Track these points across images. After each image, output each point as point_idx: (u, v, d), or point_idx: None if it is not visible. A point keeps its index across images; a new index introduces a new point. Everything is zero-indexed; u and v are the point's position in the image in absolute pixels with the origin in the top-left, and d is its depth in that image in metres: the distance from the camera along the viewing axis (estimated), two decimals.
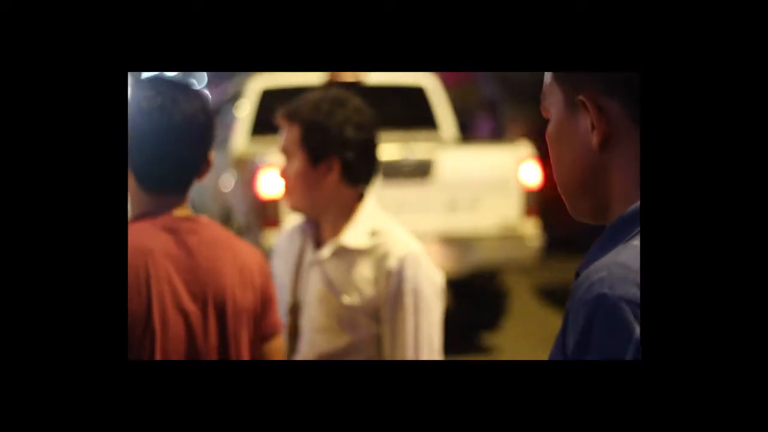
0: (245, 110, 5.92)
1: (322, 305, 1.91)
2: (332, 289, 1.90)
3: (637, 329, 0.85)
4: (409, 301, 1.85)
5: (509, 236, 5.32)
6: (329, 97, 1.93)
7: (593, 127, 0.98)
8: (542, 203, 5.47)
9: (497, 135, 10.59)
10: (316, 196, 1.92)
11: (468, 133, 11.05)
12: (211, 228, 1.55)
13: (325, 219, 1.95)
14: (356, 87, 5.45)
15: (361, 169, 1.93)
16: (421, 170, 5.13)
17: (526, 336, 5.83)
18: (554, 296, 6.88)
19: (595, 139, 0.98)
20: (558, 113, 1.02)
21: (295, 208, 1.98)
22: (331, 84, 5.24)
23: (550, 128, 1.03)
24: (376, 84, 5.75)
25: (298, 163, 1.91)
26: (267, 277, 1.63)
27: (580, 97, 0.99)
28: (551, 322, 5.79)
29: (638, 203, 0.96)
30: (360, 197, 1.96)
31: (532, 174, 5.40)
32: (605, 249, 0.95)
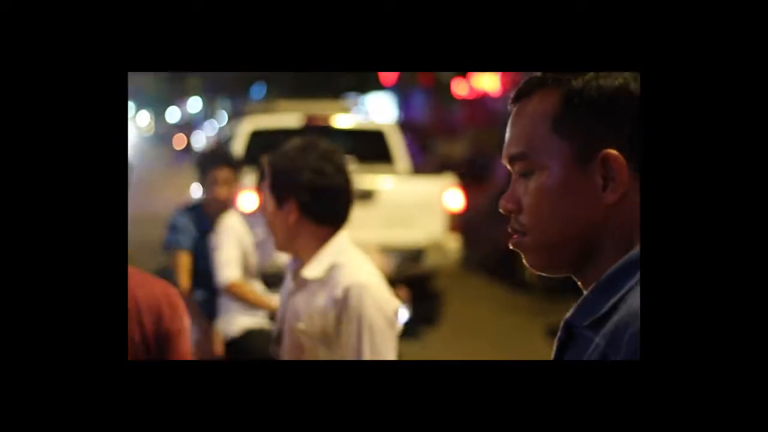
0: (237, 148, 7.04)
1: (289, 333, 2.10)
2: (295, 318, 2.09)
3: None
4: (352, 328, 1.99)
5: (435, 248, 6.85)
6: (298, 145, 2.13)
7: (607, 182, 0.98)
8: (463, 223, 7.16)
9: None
10: (283, 236, 2.13)
11: (487, 175, 11.81)
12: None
13: (302, 255, 2.13)
14: (328, 130, 7.14)
15: (321, 209, 2.09)
16: (365, 195, 6.36)
17: (455, 331, 7.20)
18: (480, 299, 8.44)
19: (612, 196, 0.98)
20: (562, 166, 1.00)
21: (277, 248, 2.19)
22: (307, 128, 6.78)
23: (549, 181, 1.01)
24: (345, 128, 7.51)
25: (269, 206, 2.13)
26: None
27: (604, 152, 0.98)
28: (478, 320, 7.56)
29: (638, 249, 0.97)
30: (333, 233, 2.12)
31: (454, 199, 6.95)
32: (605, 298, 0.97)
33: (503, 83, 17.53)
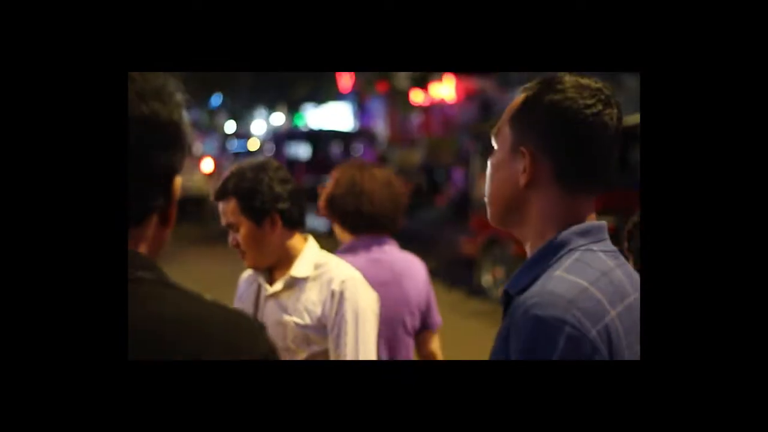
0: None
1: (279, 329, 2.24)
2: (287, 315, 2.25)
3: (561, 340, 1.09)
4: (350, 317, 2.18)
5: None
6: (252, 166, 2.25)
7: (524, 171, 1.31)
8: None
9: (470, 189, 11.22)
10: (268, 250, 2.27)
11: (443, 186, 11.86)
12: None
13: (281, 263, 2.30)
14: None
15: (297, 214, 2.29)
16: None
17: None
18: (438, 305, 9.12)
19: (523, 180, 1.31)
20: (503, 150, 1.35)
21: (253, 266, 2.32)
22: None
23: (493, 158, 1.37)
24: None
25: (245, 228, 2.24)
26: None
27: (522, 148, 1.31)
28: None
29: (557, 237, 1.27)
30: (302, 238, 2.33)
31: None
32: (530, 273, 1.26)
33: (458, 91, 17.45)
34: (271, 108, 28.07)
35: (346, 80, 17.34)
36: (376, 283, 2.36)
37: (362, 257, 2.56)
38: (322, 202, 2.62)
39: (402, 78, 14.41)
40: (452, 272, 9.56)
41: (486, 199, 1.39)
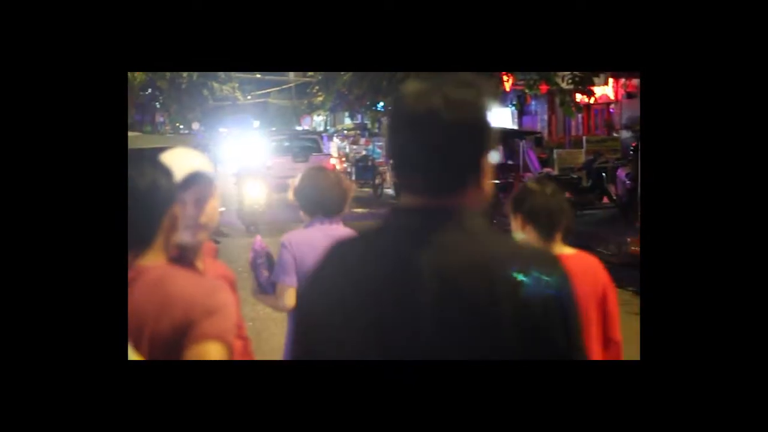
0: None
1: None
2: None
3: None
4: None
5: None
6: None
7: None
8: None
9: (636, 188, 10.89)
10: None
11: (608, 186, 11.66)
12: (151, 272, 1.61)
13: None
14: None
15: None
16: None
17: None
18: None
19: None
20: None
21: None
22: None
23: None
24: None
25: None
26: (192, 303, 1.68)
27: None
28: None
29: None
30: None
31: None
32: None
33: (616, 90, 17.59)
34: None
35: (506, 82, 17.45)
36: (323, 248, 2.41)
37: (317, 230, 3.00)
38: (290, 194, 3.19)
39: (563, 78, 14.19)
40: (620, 271, 9.18)
41: None
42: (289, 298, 2.88)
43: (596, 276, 2.52)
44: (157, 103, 29.96)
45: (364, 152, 22.86)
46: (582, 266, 2.50)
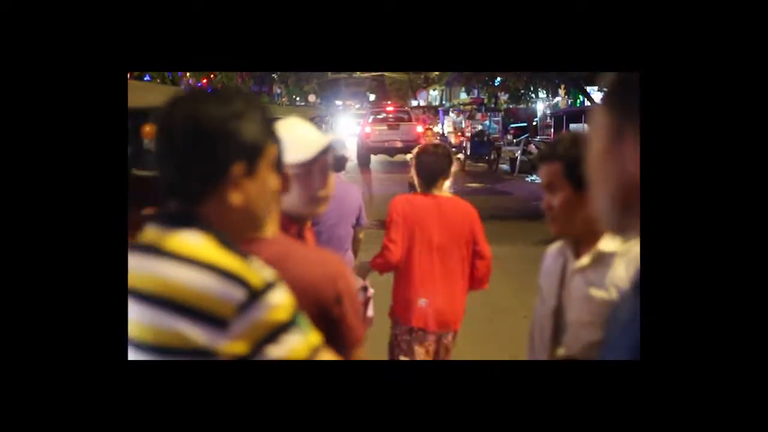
0: None
1: (585, 305, 2.27)
2: (594, 289, 2.27)
3: None
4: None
5: None
6: (582, 135, 2.29)
7: None
8: None
9: None
10: (579, 218, 2.29)
11: None
12: (273, 246, 1.51)
13: (584, 235, 2.33)
14: None
15: None
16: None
17: None
18: None
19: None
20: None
21: (560, 233, 2.37)
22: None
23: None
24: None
25: (564, 193, 2.29)
26: (322, 288, 1.61)
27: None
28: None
29: None
30: None
31: None
32: None
33: None
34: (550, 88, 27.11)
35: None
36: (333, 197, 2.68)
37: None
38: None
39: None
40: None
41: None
42: None
43: (465, 213, 3.86)
44: (274, 75, 29.86)
45: (480, 127, 23.03)
46: (453, 206, 3.87)
